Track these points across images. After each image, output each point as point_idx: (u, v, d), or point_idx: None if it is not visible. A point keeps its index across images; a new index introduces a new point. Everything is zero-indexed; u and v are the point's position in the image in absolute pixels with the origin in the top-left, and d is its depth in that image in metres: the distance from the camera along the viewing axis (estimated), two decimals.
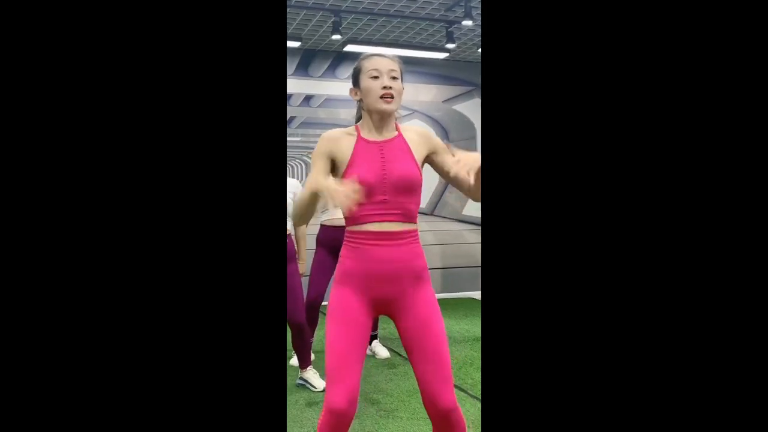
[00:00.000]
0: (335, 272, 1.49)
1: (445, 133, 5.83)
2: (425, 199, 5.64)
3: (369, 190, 1.42)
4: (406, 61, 6.78)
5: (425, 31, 4.98)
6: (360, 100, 1.52)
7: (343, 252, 1.48)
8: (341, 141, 1.47)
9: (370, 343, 3.46)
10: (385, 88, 1.45)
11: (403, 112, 5.53)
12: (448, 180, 1.55)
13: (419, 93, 5.67)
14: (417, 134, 1.52)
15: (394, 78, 1.48)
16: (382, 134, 1.49)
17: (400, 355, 3.41)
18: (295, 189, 2.79)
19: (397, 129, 1.52)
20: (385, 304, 1.46)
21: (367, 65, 1.48)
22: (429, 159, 1.53)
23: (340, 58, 5.41)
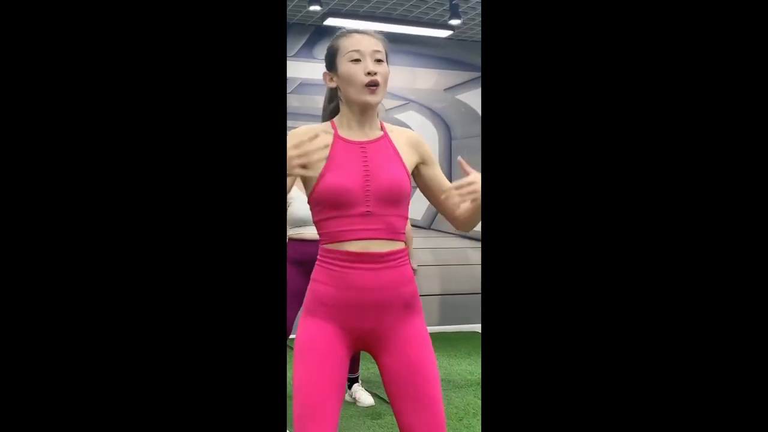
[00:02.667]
0: (305, 299, 1.48)
1: (447, 128, 5.86)
2: (421, 211, 5.65)
3: (349, 200, 1.42)
4: (401, 40, 6.80)
5: (424, 3, 5.01)
6: (335, 88, 1.52)
7: (315, 274, 1.47)
8: (315, 141, 1.42)
9: (350, 387, 3.45)
10: (369, 74, 1.44)
11: (397, 102, 5.56)
12: (433, 200, 1.56)
13: (416, 79, 5.70)
14: (406, 137, 1.53)
15: (378, 61, 1.47)
16: (364, 132, 1.49)
17: (386, 401, 3.39)
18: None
19: (382, 128, 1.52)
20: (366, 339, 1.46)
21: (346, 44, 1.47)
22: (416, 170, 1.54)
23: (318, 33, 5.43)
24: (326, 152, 1.44)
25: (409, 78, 5.63)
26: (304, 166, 1.35)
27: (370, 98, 1.45)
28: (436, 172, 1.55)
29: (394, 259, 1.45)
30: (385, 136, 1.50)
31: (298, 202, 3.03)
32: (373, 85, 1.44)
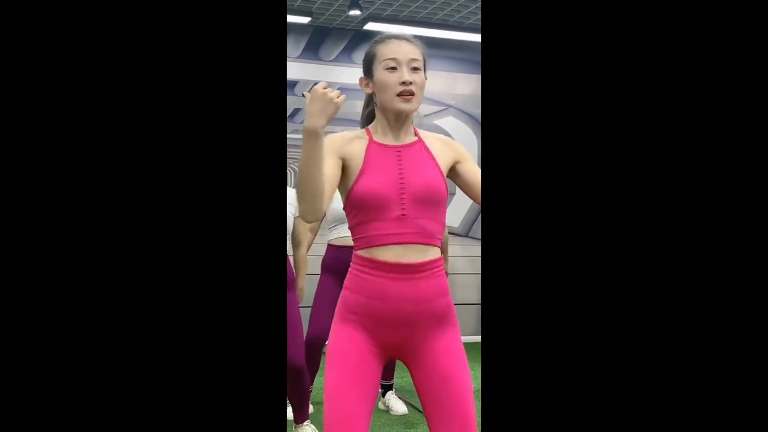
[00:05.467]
0: (337, 305, 1.49)
1: None
2: (459, 217, 5.64)
3: (384, 203, 1.42)
4: (441, 45, 6.77)
5: (465, 8, 5.02)
6: (372, 94, 1.53)
7: (348, 282, 1.48)
8: (352, 143, 1.48)
9: (384, 395, 3.46)
10: (404, 83, 1.45)
11: (435, 108, 5.57)
12: (475, 196, 1.56)
13: (456, 84, 5.70)
14: (440, 141, 1.55)
15: (415, 69, 1.47)
16: (399, 138, 1.51)
17: (419, 411, 3.39)
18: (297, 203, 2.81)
19: (416, 134, 1.54)
20: (398, 349, 1.47)
21: (383, 51, 1.48)
22: (453, 169, 1.55)
23: (358, 38, 5.48)
24: (362, 156, 1.46)
25: (448, 83, 5.63)
26: (342, 158, 1.44)
27: (404, 106, 1.46)
28: (474, 168, 1.55)
29: (430, 269, 1.44)
30: (420, 141, 1.52)
31: (336, 200, 3.06)
32: (407, 95, 1.45)
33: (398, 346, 1.46)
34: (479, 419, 2.66)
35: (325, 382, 1.43)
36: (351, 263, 1.49)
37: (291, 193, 2.80)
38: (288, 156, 2.91)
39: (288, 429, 3.04)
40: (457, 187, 1.57)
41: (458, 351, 1.46)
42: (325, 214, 3.11)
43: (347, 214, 1.50)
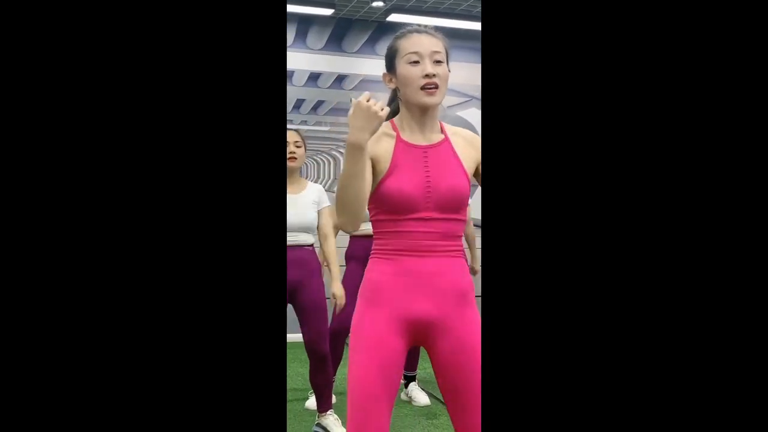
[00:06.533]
0: (360, 289, 1.51)
1: None
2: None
3: (410, 206, 1.44)
4: (464, 36, 6.75)
5: None
6: (396, 89, 1.54)
7: (370, 265, 1.50)
8: (381, 142, 1.48)
9: (407, 386, 3.47)
10: (427, 76, 1.45)
11: (459, 99, 5.56)
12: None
13: (480, 75, 5.67)
14: (465, 140, 1.55)
15: (438, 62, 1.48)
16: (425, 135, 1.51)
17: (442, 402, 3.41)
18: (319, 197, 2.83)
19: (442, 130, 1.54)
20: (424, 329, 1.48)
21: (405, 46, 1.49)
22: (477, 169, 1.56)
23: (381, 30, 5.48)
24: (389, 155, 1.47)
25: (472, 74, 5.61)
26: (371, 158, 1.43)
27: (428, 100, 1.46)
28: None
29: (447, 250, 1.48)
30: (446, 139, 1.53)
31: None
32: (430, 87, 1.46)
33: (425, 323, 1.46)
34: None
35: (349, 365, 1.44)
36: (372, 251, 1.51)
37: (314, 189, 2.81)
38: (309, 147, 2.90)
39: (310, 418, 3.08)
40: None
41: (479, 328, 1.49)
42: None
43: (370, 209, 1.51)
